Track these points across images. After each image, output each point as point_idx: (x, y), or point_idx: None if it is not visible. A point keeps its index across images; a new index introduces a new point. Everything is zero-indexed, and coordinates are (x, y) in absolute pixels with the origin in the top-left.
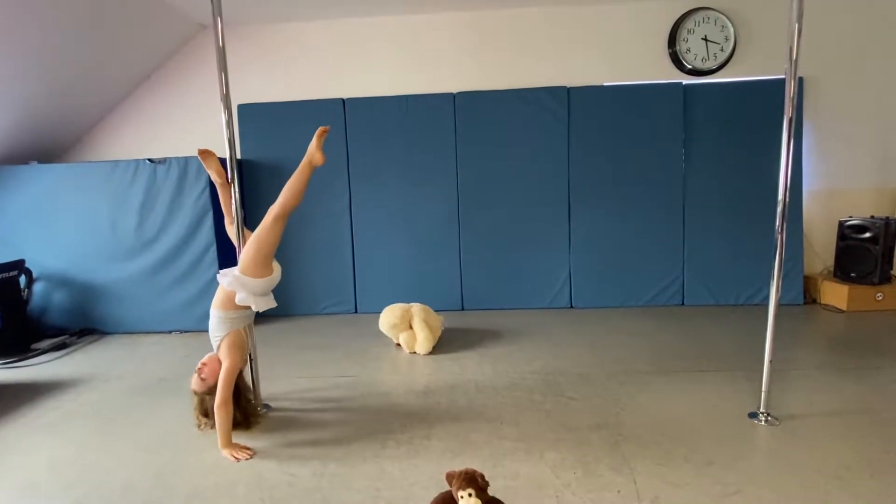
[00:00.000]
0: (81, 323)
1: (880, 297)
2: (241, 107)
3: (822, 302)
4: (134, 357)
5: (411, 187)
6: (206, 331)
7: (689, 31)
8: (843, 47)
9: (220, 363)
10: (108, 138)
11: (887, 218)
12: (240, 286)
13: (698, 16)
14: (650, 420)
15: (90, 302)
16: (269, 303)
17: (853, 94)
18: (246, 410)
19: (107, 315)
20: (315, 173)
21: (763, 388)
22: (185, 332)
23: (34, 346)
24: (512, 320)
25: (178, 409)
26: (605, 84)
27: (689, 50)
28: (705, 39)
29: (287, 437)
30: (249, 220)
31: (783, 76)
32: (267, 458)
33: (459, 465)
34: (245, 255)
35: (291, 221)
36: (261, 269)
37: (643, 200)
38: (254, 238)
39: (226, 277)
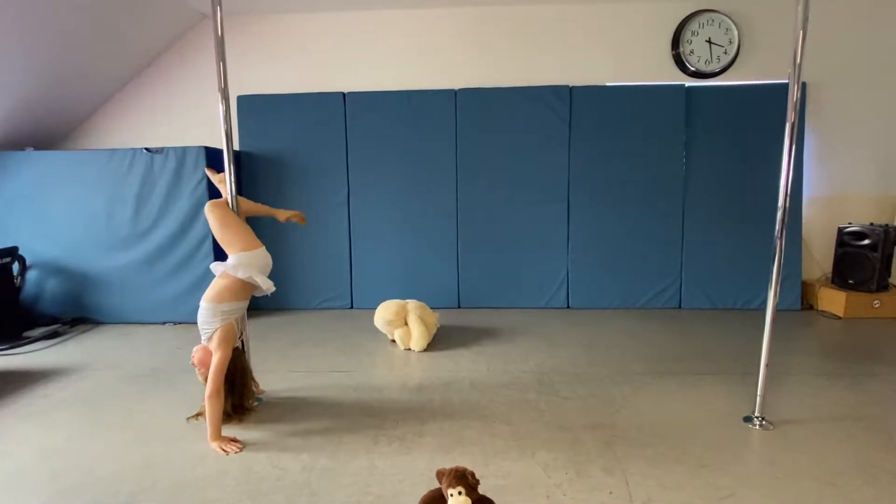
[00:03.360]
0: (74, 312)
1: (877, 305)
2: (240, 98)
3: (820, 308)
4: (126, 347)
5: (410, 183)
6: None
7: (693, 33)
8: (848, 54)
9: (209, 354)
10: (105, 127)
11: (886, 225)
12: (240, 268)
13: (703, 18)
14: (644, 422)
15: (84, 291)
16: (271, 285)
17: (856, 100)
18: (242, 396)
19: (100, 304)
20: (314, 166)
21: (758, 393)
22: (179, 323)
23: (26, 333)
24: (508, 319)
25: (169, 399)
26: (608, 84)
27: (692, 52)
28: (709, 42)
29: (278, 431)
30: None
31: (786, 81)
32: (257, 450)
33: (451, 463)
34: (219, 239)
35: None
36: (240, 242)
37: (643, 202)
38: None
39: (221, 266)
